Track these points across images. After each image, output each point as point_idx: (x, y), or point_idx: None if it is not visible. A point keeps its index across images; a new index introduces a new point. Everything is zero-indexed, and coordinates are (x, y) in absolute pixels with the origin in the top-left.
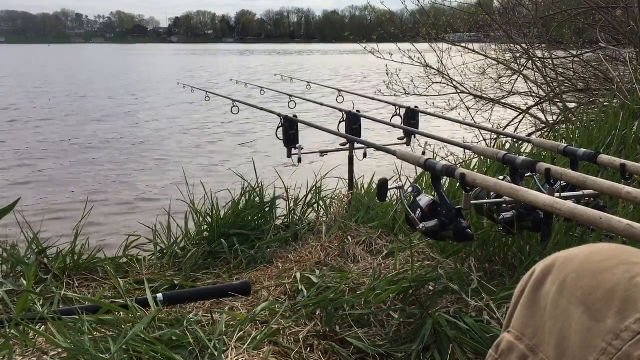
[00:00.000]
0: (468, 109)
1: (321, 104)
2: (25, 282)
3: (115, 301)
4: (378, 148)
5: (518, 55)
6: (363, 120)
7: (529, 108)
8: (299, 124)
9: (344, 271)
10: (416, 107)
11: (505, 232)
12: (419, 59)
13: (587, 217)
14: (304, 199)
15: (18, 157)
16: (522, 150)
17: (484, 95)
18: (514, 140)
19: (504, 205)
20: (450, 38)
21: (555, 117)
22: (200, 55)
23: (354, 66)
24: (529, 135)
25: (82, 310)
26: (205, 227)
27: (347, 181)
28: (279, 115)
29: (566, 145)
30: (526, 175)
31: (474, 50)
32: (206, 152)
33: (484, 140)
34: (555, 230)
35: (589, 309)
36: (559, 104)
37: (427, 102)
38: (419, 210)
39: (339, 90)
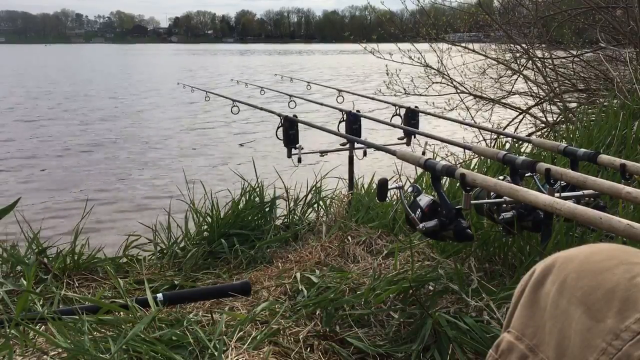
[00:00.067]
0: (468, 109)
1: (321, 104)
2: (25, 282)
3: (115, 301)
4: (378, 148)
5: (518, 55)
6: (363, 120)
7: (529, 108)
8: (299, 124)
9: (344, 271)
10: (416, 107)
11: (505, 232)
12: (419, 59)
13: (587, 217)
14: (304, 199)
15: (18, 157)
16: (522, 150)
17: (484, 95)
18: (514, 140)
19: (504, 205)
20: (450, 38)
21: (555, 117)
22: (200, 55)
23: (355, 66)
24: (529, 135)
25: (82, 310)
26: (205, 227)
27: (347, 181)
28: (279, 115)
29: (566, 145)
30: (526, 175)
31: (474, 50)
32: (206, 152)
33: (484, 140)
34: (555, 230)
35: (589, 309)
36: (559, 104)
37: (427, 102)
38: (419, 210)
39: (339, 90)
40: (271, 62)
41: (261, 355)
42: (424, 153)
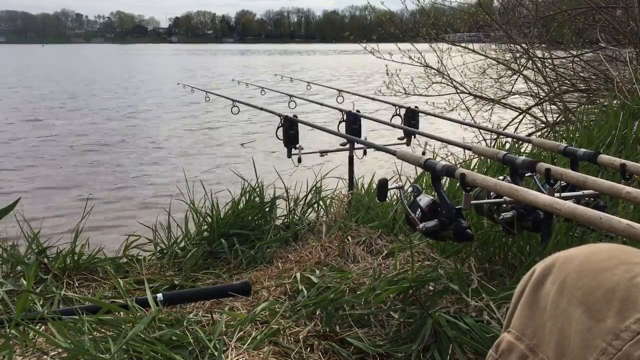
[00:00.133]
0: (468, 109)
1: (321, 104)
2: (25, 282)
3: (115, 301)
4: (378, 148)
5: (518, 55)
6: (363, 120)
7: (529, 108)
8: (299, 124)
9: (344, 271)
10: (416, 107)
11: (505, 232)
12: (419, 59)
13: (587, 217)
14: (304, 199)
15: (18, 157)
16: (522, 150)
17: (484, 95)
18: (514, 140)
19: (504, 205)
20: (450, 38)
21: (555, 117)
22: (200, 56)
23: (355, 66)
24: (529, 135)
25: (82, 310)
26: (205, 227)
27: (347, 181)
28: (279, 115)
29: (566, 145)
30: (526, 175)
31: (474, 50)
32: (206, 152)
33: (484, 140)
34: (555, 230)
35: (589, 309)
36: (559, 104)
37: (427, 102)
38: (419, 210)
39: (339, 91)
40: (271, 62)
41: (261, 355)
42: (424, 153)
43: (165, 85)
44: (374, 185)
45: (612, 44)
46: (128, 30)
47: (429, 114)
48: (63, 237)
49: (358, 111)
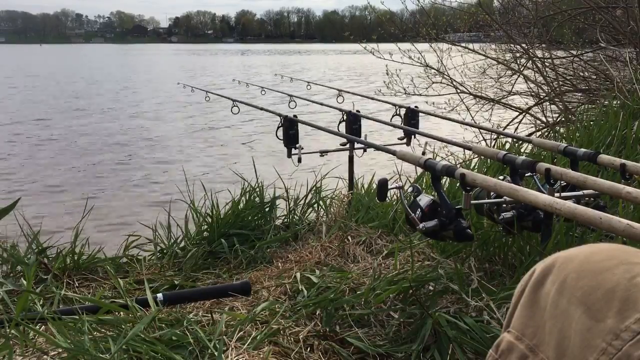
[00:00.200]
0: (468, 109)
1: (321, 104)
2: (25, 282)
3: (115, 301)
4: (378, 148)
5: (518, 55)
6: (363, 120)
7: (529, 108)
8: (299, 124)
9: (344, 271)
10: (416, 107)
11: (505, 232)
12: (419, 59)
13: (587, 217)
14: (304, 199)
15: (18, 157)
16: (522, 150)
17: (484, 95)
18: (514, 140)
19: (504, 205)
20: (450, 38)
21: (555, 117)
22: (200, 56)
23: (355, 66)
24: (529, 135)
25: (82, 310)
26: (205, 227)
27: (347, 181)
28: (279, 115)
29: (566, 145)
30: (526, 175)
31: (474, 50)
32: (206, 152)
33: (484, 140)
34: (555, 230)
35: (589, 309)
36: (559, 104)
37: (427, 102)
38: (419, 210)
39: (339, 90)
40: (271, 62)
41: (261, 355)
42: (424, 153)
43: (165, 85)
44: (374, 185)
45: (612, 44)
46: (128, 30)
47: (429, 113)
48: (63, 237)
49: (358, 111)
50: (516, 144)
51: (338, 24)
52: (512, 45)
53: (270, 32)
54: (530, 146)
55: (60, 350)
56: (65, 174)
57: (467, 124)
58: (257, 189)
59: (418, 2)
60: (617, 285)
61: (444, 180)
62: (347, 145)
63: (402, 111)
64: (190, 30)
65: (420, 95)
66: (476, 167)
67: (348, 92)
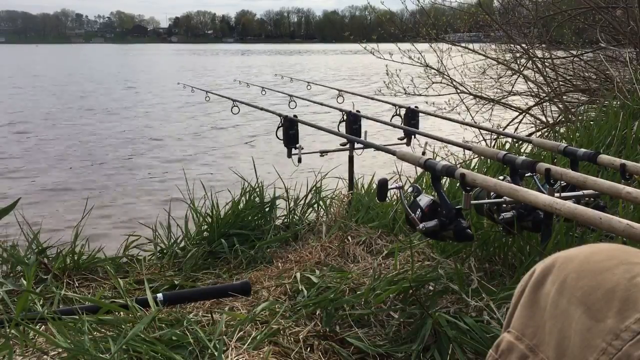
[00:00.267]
0: (468, 109)
1: (321, 104)
2: (25, 282)
3: (115, 301)
4: (378, 148)
5: (518, 55)
6: (363, 120)
7: (529, 108)
8: (299, 124)
9: (344, 271)
10: (416, 107)
11: (505, 232)
12: (419, 59)
13: (587, 217)
14: (304, 199)
15: (18, 157)
16: (522, 150)
17: (484, 95)
18: (514, 140)
19: (504, 205)
20: (450, 38)
21: (555, 117)
22: (200, 56)
23: (356, 67)
24: (529, 135)
25: (82, 310)
26: (205, 227)
27: (347, 181)
28: (279, 115)
29: (566, 145)
30: (526, 175)
31: (474, 50)
32: (206, 152)
33: (484, 140)
34: (555, 230)
35: (589, 309)
36: (559, 104)
37: (427, 102)
38: (419, 210)
39: (339, 90)
40: (272, 62)
41: (261, 355)
42: (424, 153)
43: (166, 86)
44: (374, 185)
45: (612, 44)
46: (128, 30)
47: (429, 114)
48: (63, 237)
49: (358, 111)
50: (516, 144)
51: (338, 24)
52: (512, 45)
53: (270, 32)
54: (530, 146)
55: (60, 350)
56: (65, 174)
57: (467, 124)
58: (257, 189)
59: (418, 2)
60: (617, 285)
61: (444, 180)
62: (347, 145)
63: (402, 111)
64: (190, 30)
65: (420, 95)
66: (476, 167)
67: (348, 92)
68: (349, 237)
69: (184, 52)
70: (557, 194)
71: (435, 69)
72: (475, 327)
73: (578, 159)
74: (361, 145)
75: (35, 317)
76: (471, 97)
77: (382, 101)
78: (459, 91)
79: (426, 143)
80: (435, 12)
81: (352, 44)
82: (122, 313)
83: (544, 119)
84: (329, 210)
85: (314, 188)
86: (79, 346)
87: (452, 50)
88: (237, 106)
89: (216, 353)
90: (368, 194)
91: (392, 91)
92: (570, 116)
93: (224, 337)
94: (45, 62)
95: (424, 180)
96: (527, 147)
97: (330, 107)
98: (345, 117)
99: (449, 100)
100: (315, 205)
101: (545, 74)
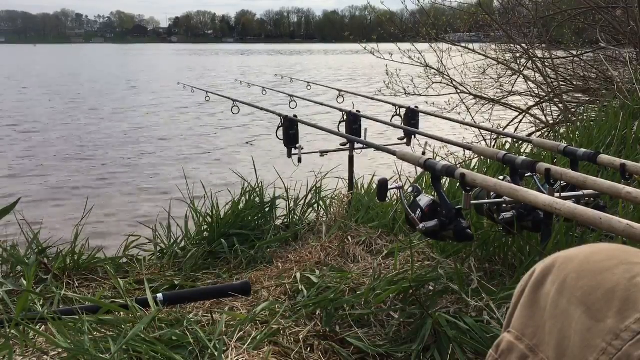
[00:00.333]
0: (468, 109)
1: (321, 104)
2: (25, 282)
3: (115, 301)
4: (378, 148)
5: (518, 55)
6: (363, 120)
7: (529, 108)
8: (299, 124)
9: (344, 271)
10: (416, 107)
11: (505, 232)
12: (419, 59)
13: (587, 217)
14: (304, 199)
15: (18, 157)
16: (522, 150)
17: (484, 95)
18: (514, 140)
19: (504, 205)
20: (450, 38)
21: (555, 117)
22: (200, 56)
23: (356, 67)
24: (529, 135)
25: (82, 310)
26: (205, 227)
27: (347, 181)
28: (279, 115)
29: (566, 145)
30: (526, 175)
31: (474, 50)
32: (206, 152)
33: (484, 140)
34: (555, 230)
35: (589, 309)
36: (559, 104)
37: (427, 102)
38: (419, 210)
39: (339, 91)
40: (272, 62)
41: (261, 355)
42: (424, 153)
43: (166, 86)
44: (374, 185)
45: (612, 44)
46: (128, 30)
47: (429, 114)
48: (63, 237)
49: (358, 111)
50: (516, 144)
51: (338, 24)
52: (512, 45)
53: (270, 32)
54: (530, 146)
55: (60, 350)
56: (65, 173)
57: (467, 124)
58: (257, 189)
59: (418, 2)
60: (617, 285)
61: (444, 180)
62: (347, 145)
63: (402, 111)
64: (190, 30)
65: (420, 95)
66: (476, 167)
67: (348, 93)
68: (349, 237)
69: (184, 52)
70: (557, 194)
71: (435, 69)
72: (475, 327)
73: (578, 159)
74: (361, 145)
75: (35, 317)
76: (471, 97)
77: (382, 101)
78: (459, 91)
79: (426, 143)
80: (435, 12)
81: (352, 44)
82: (122, 313)
83: (544, 119)
84: (329, 210)
85: (314, 188)
86: (79, 346)
87: (452, 50)
88: (237, 106)
89: (216, 353)
90: (368, 194)
91: (392, 91)
92: (570, 116)
93: (224, 337)
94: (45, 62)
95: (424, 180)
96: (527, 147)
97: (331, 107)
98: (345, 117)
99: (449, 100)
100: (315, 205)
101: (545, 74)
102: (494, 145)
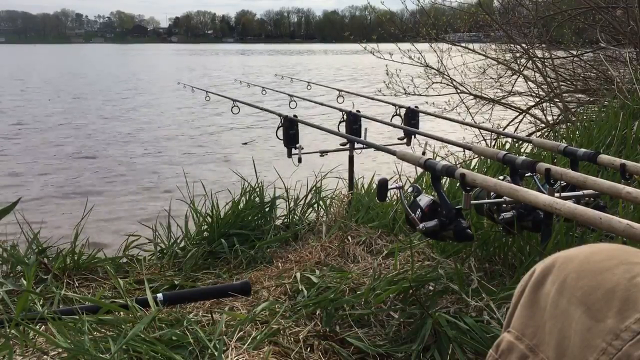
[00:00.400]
0: (468, 109)
1: (321, 104)
2: (25, 282)
3: (115, 301)
4: (378, 148)
5: (518, 55)
6: (363, 120)
7: (529, 108)
8: (299, 124)
9: (344, 271)
10: (416, 107)
11: (505, 232)
12: (419, 59)
13: (587, 217)
14: (304, 199)
15: (19, 157)
16: (522, 150)
17: (484, 95)
18: (514, 140)
19: (504, 205)
20: (450, 38)
21: (555, 117)
22: (200, 55)
23: (357, 67)
24: (529, 135)
25: (82, 310)
26: (205, 227)
27: (347, 181)
28: (279, 115)
29: (566, 145)
30: (526, 175)
31: (474, 50)
32: (206, 152)
33: (484, 140)
34: (555, 230)
35: (589, 309)
36: (559, 104)
37: (427, 102)
38: (419, 210)
39: (340, 91)
40: (272, 62)
41: (261, 355)
42: (424, 153)
43: (166, 86)
44: (374, 185)
45: (612, 44)
46: (128, 30)
47: (429, 113)
48: (63, 237)
49: (358, 111)
50: (516, 144)
51: (338, 24)
52: (512, 45)
53: (270, 32)
54: (530, 146)
55: (60, 350)
56: (65, 173)
57: (467, 124)
58: (257, 189)
59: (418, 2)
60: (617, 285)
61: (444, 180)
62: (347, 145)
63: (402, 111)
64: (190, 30)
65: (421, 95)
66: (476, 167)
67: (348, 92)
68: (349, 237)
69: (184, 52)
70: (557, 194)
71: (435, 69)
72: (475, 327)
73: (578, 159)
74: (361, 145)
75: (35, 317)
76: (471, 97)
77: (382, 101)
78: (459, 91)
79: (426, 143)
80: (435, 12)
81: (352, 44)
82: (122, 313)
83: (544, 119)
84: (329, 210)
85: (314, 188)
86: (79, 346)
87: (452, 50)
88: (237, 106)
89: (216, 353)
90: (368, 194)
91: (392, 91)
92: (570, 116)
93: (224, 337)
94: (45, 62)
95: (424, 180)
96: (527, 147)
97: (331, 107)
98: (345, 117)
99: (449, 100)
100: (315, 205)
101: (545, 74)
102: (494, 145)
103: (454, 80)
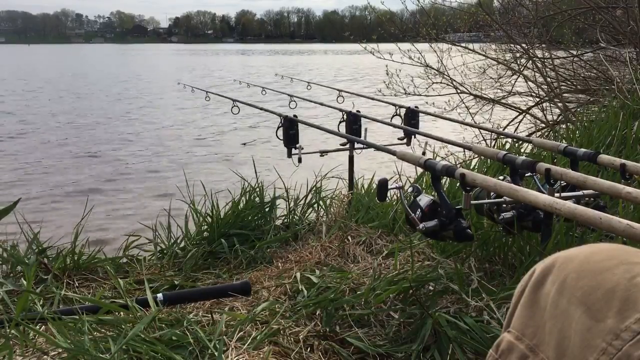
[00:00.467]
0: (468, 109)
1: (321, 104)
2: (25, 282)
3: (115, 301)
4: (378, 148)
5: (518, 55)
6: (363, 120)
7: (529, 108)
8: (299, 124)
9: (344, 271)
10: (416, 107)
11: (505, 232)
12: (419, 59)
13: (587, 217)
14: (304, 199)
15: (19, 157)
16: (522, 150)
17: (484, 95)
18: (514, 140)
19: (504, 205)
20: (450, 38)
21: (555, 117)
22: (200, 55)
23: (357, 67)
24: (529, 135)
25: (82, 310)
26: (205, 227)
27: (347, 181)
28: (279, 115)
29: (566, 145)
30: (526, 175)
31: (474, 50)
32: (206, 152)
33: (484, 140)
34: (555, 230)
35: (589, 309)
36: (559, 104)
37: (427, 102)
38: (419, 210)
39: (339, 91)
40: (272, 62)
41: (261, 355)
42: (424, 153)
43: (166, 86)
44: (374, 185)
45: (612, 44)
46: (128, 30)
47: (429, 114)
48: (63, 237)
49: (358, 111)
50: (516, 144)
51: (338, 24)
52: (512, 45)
53: (270, 32)
54: (530, 146)
55: (60, 350)
56: (66, 174)
57: (467, 124)
58: (257, 189)
59: (418, 2)
60: (617, 285)
61: (444, 180)
62: (347, 145)
63: (402, 111)
64: (190, 30)
65: (421, 95)
66: (476, 167)
67: (348, 92)
68: (349, 237)
69: (184, 52)
70: (557, 194)
71: (435, 69)
72: (475, 327)
73: (578, 159)
74: (361, 145)
75: (35, 317)
76: (471, 97)
77: (382, 101)
78: (459, 91)
79: (426, 143)
80: (435, 12)
81: (352, 44)
82: (122, 313)
83: (544, 119)
84: (329, 210)
85: (314, 188)
86: (79, 346)
87: (452, 50)
88: (237, 106)
89: (216, 353)
90: (368, 194)
91: (392, 91)
92: (570, 116)
93: (224, 337)
94: (45, 62)
95: (424, 180)
96: (527, 147)
97: (331, 107)
98: (345, 117)
99: (449, 101)
100: (315, 205)
101: (545, 74)
102: (494, 145)
103: (454, 81)
